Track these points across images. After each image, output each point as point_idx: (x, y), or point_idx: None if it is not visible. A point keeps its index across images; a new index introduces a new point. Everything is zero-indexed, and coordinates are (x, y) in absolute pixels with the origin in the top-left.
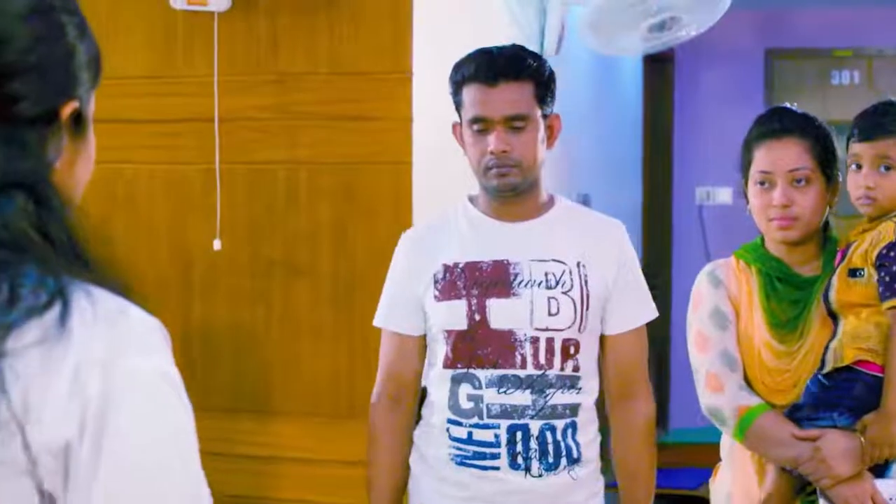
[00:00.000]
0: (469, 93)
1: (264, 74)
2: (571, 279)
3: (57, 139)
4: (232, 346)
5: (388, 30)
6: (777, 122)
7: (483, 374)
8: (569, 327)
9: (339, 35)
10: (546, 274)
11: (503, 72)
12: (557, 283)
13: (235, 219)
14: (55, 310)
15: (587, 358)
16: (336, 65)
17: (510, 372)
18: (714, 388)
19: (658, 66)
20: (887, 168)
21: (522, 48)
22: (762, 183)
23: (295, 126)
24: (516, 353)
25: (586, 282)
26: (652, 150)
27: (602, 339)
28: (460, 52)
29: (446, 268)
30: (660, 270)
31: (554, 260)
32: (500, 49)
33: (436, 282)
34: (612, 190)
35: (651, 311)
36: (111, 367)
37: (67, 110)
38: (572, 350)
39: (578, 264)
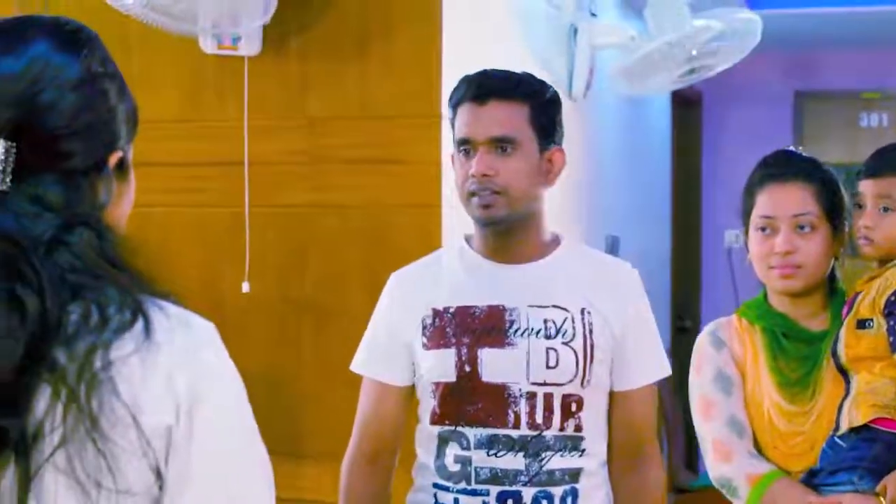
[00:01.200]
0: (460, 114)
1: (294, 118)
2: (574, 328)
3: (107, 183)
4: (262, 389)
5: (417, 74)
6: (781, 166)
7: (472, 433)
8: (570, 381)
9: (368, 79)
10: (545, 322)
11: (494, 90)
12: (558, 331)
13: (265, 262)
14: (140, 324)
15: (592, 416)
16: (365, 109)
17: (501, 431)
18: (722, 457)
19: (686, 109)
20: (886, 209)
21: (527, 73)
22: (763, 229)
23: (324, 170)
24: (509, 411)
25: (591, 331)
26: (680, 193)
27: (610, 395)
28: None
29: (436, 313)
30: (689, 314)
31: (555, 306)
32: (500, 70)
33: (424, 328)
34: (641, 233)
35: (664, 368)
36: (193, 364)
37: (113, 160)
38: (574, 407)
39: (583, 311)
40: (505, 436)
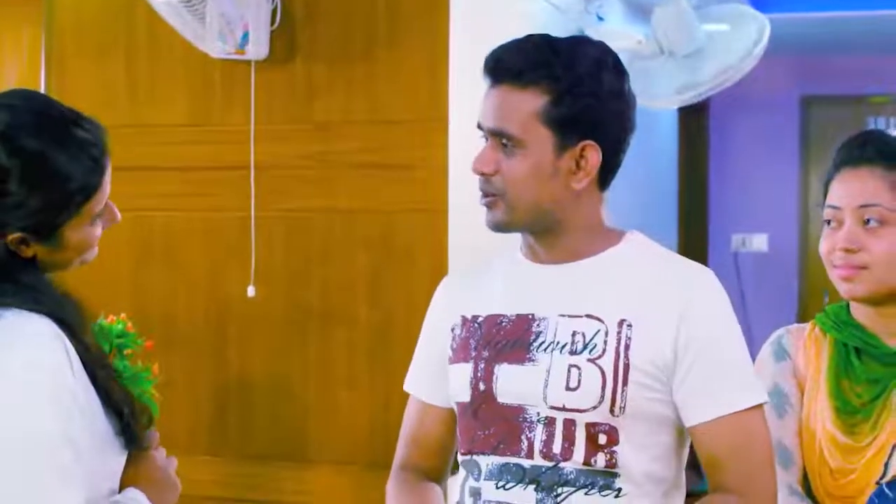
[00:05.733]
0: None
1: (301, 123)
2: (605, 343)
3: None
4: (268, 394)
5: (424, 79)
6: (857, 149)
7: (484, 462)
8: (593, 408)
9: (375, 84)
10: (574, 334)
11: (506, 71)
12: (585, 347)
13: (271, 267)
14: None
15: (636, 453)
16: (372, 113)
17: (512, 460)
18: None
19: (693, 114)
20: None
21: (571, 44)
22: (828, 222)
23: (331, 174)
24: (522, 437)
25: (627, 347)
26: (687, 197)
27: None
28: None
29: (464, 321)
30: None
31: (588, 316)
32: (528, 38)
33: (452, 338)
34: (648, 237)
35: (749, 395)
36: None
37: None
38: (603, 439)
39: (621, 324)
40: (516, 465)
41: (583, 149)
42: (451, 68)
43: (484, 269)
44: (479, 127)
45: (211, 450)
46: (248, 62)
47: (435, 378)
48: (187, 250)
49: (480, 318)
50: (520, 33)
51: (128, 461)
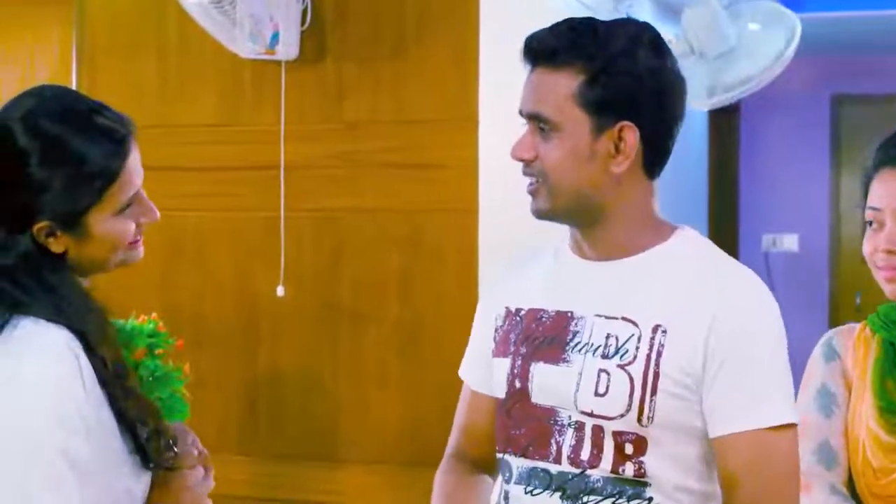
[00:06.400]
0: None
1: (330, 122)
2: (637, 349)
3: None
4: (298, 393)
5: (454, 78)
6: (895, 148)
7: (515, 464)
8: (621, 416)
9: (404, 83)
10: (607, 337)
11: (541, 52)
12: (616, 351)
13: (300, 266)
14: None
15: (666, 463)
16: (402, 113)
17: (540, 465)
18: (802, 488)
19: (723, 114)
20: None
21: (610, 25)
22: (870, 223)
23: (361, 174)
24: (551, 441)
25: (659, 354)
26: (718, 197)
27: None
28: None
29: (508, 313)
30: None
31: (623, 318)
32: (565, 20)
33: (496, 330)
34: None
35: (779, 413)
36: None
37: (38, 229)
38: (630, 449)
39: (656, 329)
40: (543, 470)
41: (620, 130)
42: (481, 67)
43: (532, 261)
44: (520, 113)
45: (241, 449)
46: (278, 62)
47: (484, 367)
48: (217, 250)
49: (522, 312)
50: None
51: (156, 480)
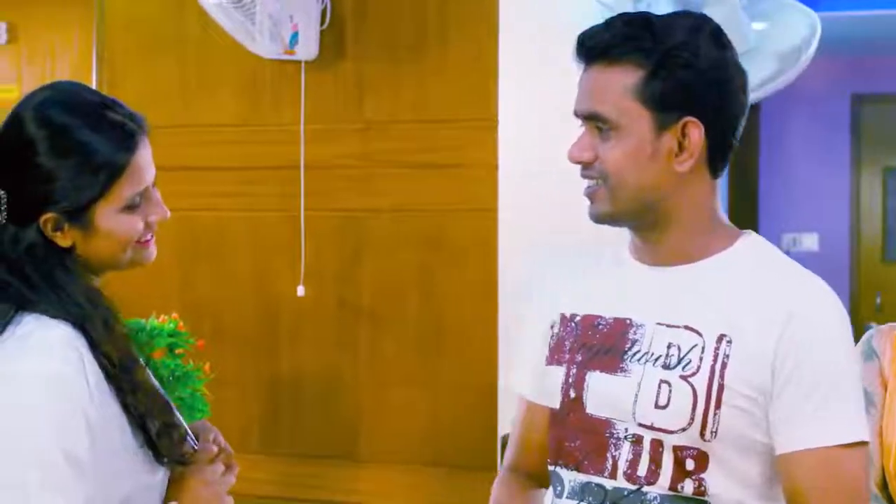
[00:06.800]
0: None
1: (350, 122)
2: (701, 359)
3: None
4: (319, 393)
5: (473, 77)
6: None
7: (567, 478)
8: (683, 429)
9: (424, 83)
10: (669, 346)
11: (597, 49)
12: (679, 362)
13: (321, 266)
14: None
15: (727, 481)
16: (422, 112)
17: (594, 479)
18: None
19: None
20: None
21: (668, 19)
22: None
23: (380, 173)
24: (608, 455)
25: (724, 366)
26: (737, 197)
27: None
28: (545, 100)
29: (563, 319)
30: None
31: (686, 327)
32: (618, 15)
33: (550, 336)
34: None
35: (849, 430)
36: None
37: (45, 220)
38: (692, 465)
39: (720, 339)
40: (597, 485)
41: (684, 126)
42: (500, 66)
43: (587, 262)
44: (575, 114)
45: (262, 449)
46: (297, 62)
47: (539, 376)
48: (237, 250)
49: (578, 318)
50: (570, 33)
51: (173, 476)
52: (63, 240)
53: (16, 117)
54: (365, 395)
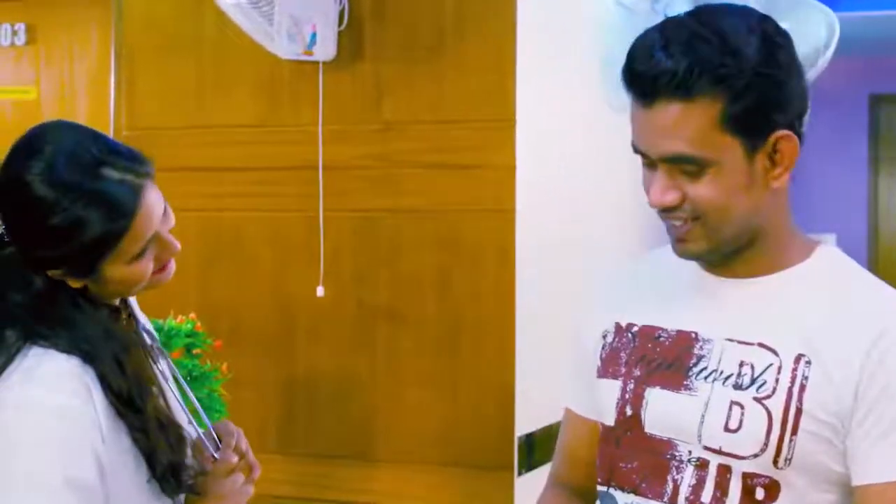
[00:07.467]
0: (631, 111)
1: (368, 123)
2: (777, 381)
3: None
4: (336, 393)
5: (491, 78)
6: None
7: (622, 500)
8: (754, 455)
9: (442, 83)
10: (741, 365)
11: (662, 85)
12: (753, 382)
13: (339, 266)
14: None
15: None
16: (440, 113)
17: None
18: None
19: None
20: None
21: (712, 31)
22: None
23: (398, 174)
24: (668, 478)
25: (802, 388)
26: None
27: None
28: (564, 100)
29: (618, 329)
30: None
31: (761, 345)
32: (663, 35)
33: (603, 347)
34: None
35: None
36: None
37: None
38: (762, 494)
39: (798, 359)
40: None
41: (776, 141)
42: (518, 67)
43: (646, 267)
44: (636, 150)
45: (279, 449)
46: (315, 63)
47: (589, 388)
48: (255, 250)
49: (635, 328)
50: (588, 33)
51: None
52: (74, 283)
53: (20, 182)
54: (382, 396)
